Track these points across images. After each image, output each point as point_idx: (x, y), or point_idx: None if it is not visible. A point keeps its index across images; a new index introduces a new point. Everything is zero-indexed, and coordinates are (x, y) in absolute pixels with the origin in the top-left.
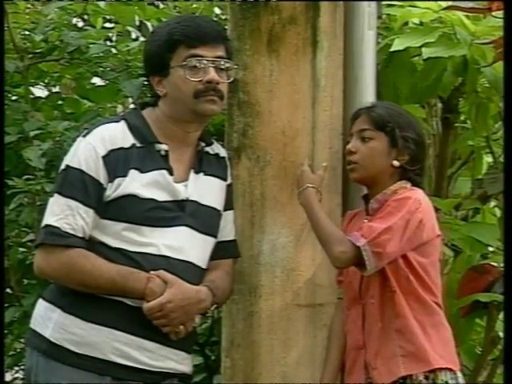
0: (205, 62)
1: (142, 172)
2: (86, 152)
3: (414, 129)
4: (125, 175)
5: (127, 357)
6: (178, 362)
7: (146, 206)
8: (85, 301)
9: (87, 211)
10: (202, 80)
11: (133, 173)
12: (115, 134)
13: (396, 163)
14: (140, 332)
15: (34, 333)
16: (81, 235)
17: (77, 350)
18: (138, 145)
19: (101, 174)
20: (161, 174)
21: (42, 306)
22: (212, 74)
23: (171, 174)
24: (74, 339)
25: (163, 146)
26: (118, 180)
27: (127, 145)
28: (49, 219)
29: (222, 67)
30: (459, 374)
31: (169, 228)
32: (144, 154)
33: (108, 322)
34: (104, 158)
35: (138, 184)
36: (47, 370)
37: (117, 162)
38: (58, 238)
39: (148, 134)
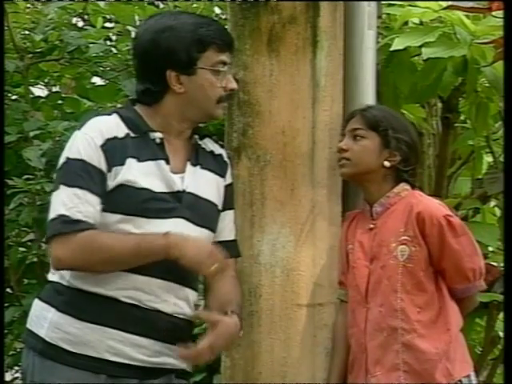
0: (227, 67)
1: (139, 161)
2: (85, 143)
3: (407, 132)
4: (122, 163)
5: (121, 354)
6: (174, 357)
7: (142, 197)
8: (79, 300)
9: (95, 199)
10: (225, 87)
11: (130, 161)
12: (109, 125)
13: (387, 164)
14: (133, 329)
15: (30, 333)
16: (92, 221)
17: (71, 349)
18: (133, 135)
19: (102, 163)
20: (157, 164)
21: (37, 306)
22: (234, 83)
23: (168, 163)
24: (68, 338)
25: (157, 134)
26: (115, 169)
27: (121, 135)
28: (59, 210)
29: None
30: (472, 374)
31: (165, 220)
32: (139, 144)
33: (102, 320)
34: (102, 147)
35: (135, 172)
36: (43, 369)
37: (114, 151)
38: (73, 225)
39: (141, 123)
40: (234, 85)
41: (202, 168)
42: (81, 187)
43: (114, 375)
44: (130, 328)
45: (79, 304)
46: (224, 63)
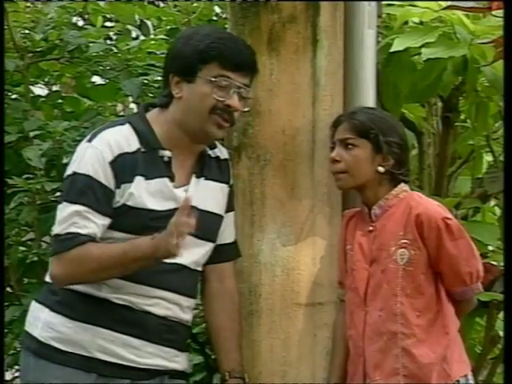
0: (233, 85)
1: (147, 179)
2: (94, 158)
3: (396, 132)
4: (131, 181)
5: (112, 354)
6: (167, 359)
7: (146, 217)
8: (72, 300)
9: (96, 215)
10: (223, 100)
11: (138, 179)
12: (120, 139)
13: (381, 169)
14: (125, 329)
15: (26, 333)
16: (90, 236)
17: (63, 348)
18: (143, 150)
19: (110, 180)
20: (163, 182)
21: (33, 307)
22: (235, 101)
23: (172, 180)
24: (60, 337)
25: (166, 153)
26: (123, 186)
27: (132, 149)
28: (58, 228)
29: (244, 96)
30: (469, 374)
31: None
32: (148, 160)
33: (93, 319)
34: (111, 163)
35: (142, 191)
36: (36, 368)
37: (124, 167)
38: (67, 242)
39: (152, 139)
40: (234, 102)
41: (207, 179)
42: (83, 204)
43: (105, 375)
44: (122, 328)
45: (72, 304)
46: (228, 79)
